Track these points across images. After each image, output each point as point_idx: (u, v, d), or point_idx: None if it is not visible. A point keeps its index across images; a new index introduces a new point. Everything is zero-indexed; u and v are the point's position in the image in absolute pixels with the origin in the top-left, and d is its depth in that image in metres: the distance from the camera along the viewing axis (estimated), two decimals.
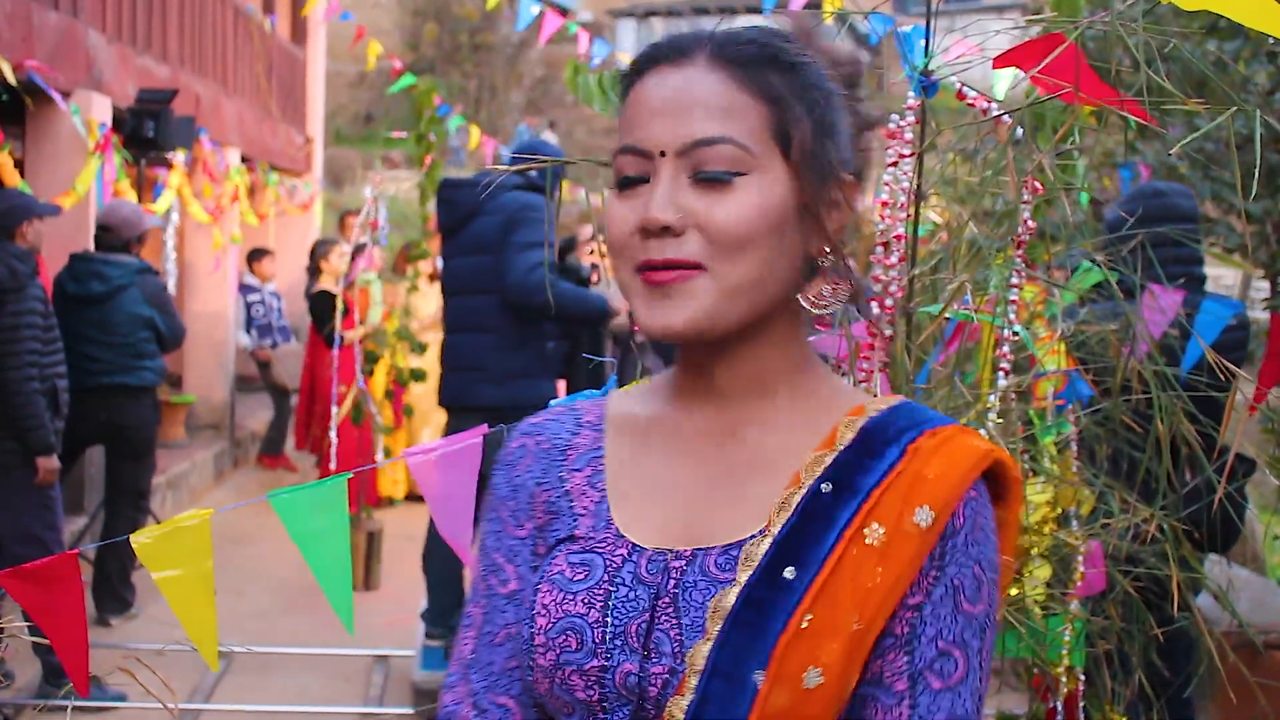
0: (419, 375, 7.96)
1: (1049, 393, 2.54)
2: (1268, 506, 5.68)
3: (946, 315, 2.19)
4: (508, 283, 5.21)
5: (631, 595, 1.19)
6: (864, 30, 2.78)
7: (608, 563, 1.22)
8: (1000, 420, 2.12)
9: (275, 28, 13.45)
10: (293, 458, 10.93)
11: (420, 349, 8.00)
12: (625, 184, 1.20)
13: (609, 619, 1.18)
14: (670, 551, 1.21)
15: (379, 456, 7.65)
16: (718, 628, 1.14)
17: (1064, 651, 2.47)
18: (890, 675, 1.14)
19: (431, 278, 9.51)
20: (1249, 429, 4.07)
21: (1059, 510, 2.52)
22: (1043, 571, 2.48)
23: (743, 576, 1.15)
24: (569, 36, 7.67)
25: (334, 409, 7.12)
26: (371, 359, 7.80)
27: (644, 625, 1.17)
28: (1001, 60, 1.69)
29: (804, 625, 1.12)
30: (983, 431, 2.10)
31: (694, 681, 1.13)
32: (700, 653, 1.14)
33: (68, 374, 5.61)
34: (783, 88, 1.19)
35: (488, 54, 26.13)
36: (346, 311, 7.56)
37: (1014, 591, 2.41)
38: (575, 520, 1.26)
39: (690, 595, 1.17)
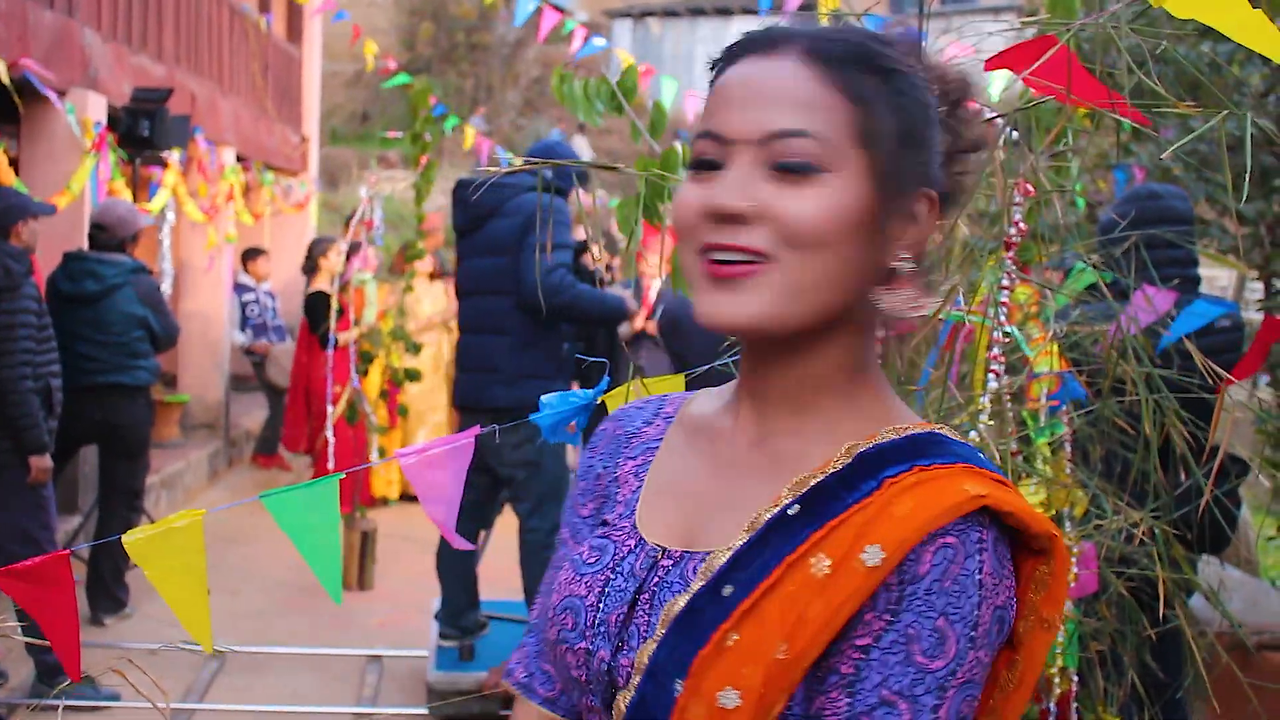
0: (414, 375, 7.96)
1: (1042, 394, 2.54)
2: (1260, 507, 5.69)
3: (939, 317, 2.19)
4: (527, 284, 5.20)
5: (623, 586, 1.22)
6: None
7: (616, 551, 1.25)
8: (993, 422, 2.12)
9: (271, 27, 13.43)
10: (287, 457, 10.93)
11: (415, 349, 7.99)
12: (699, 166, 1.18)
13: (601, 604, 1.21)
14: (661, 549, 1.23)
15: (373, 457, 7.65)
16: (662, 632, 1.16)
17: (1057, 652, 2.48)
18: (830, 715, 1.09)
19: (431, 277, 9.51)
20: (1243, 430, 4.07)
21: (1052, 512, 2.52)
22: None
23: (695, 586, 1.16)
24: (565, 36, 7.67)
25: (329, 409, 7.12)
26: (366, 359, 7.79)
27: (622, 616, 1.20)
28: (993, 62, 1.69)
29: (728, 643, 1.10)
30: (973, 435, 2.10)
31: (635, 679, 1.16)
32: (646, 652, 1.16)
33: (61, 373, 5.60)
34: (872, 91, 1.17)
35: (484, 53, 26.12)
36: (341, 312, 7.56)
37: None
38: (613, 506, 1.32)
39: (664, 595, 1.18)
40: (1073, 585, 2.50)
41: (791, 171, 1.14)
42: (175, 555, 1.89)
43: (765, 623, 1.10)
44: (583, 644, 1.21)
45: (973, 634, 1.09)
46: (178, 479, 9.22)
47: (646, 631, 1.17)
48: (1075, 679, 2.53)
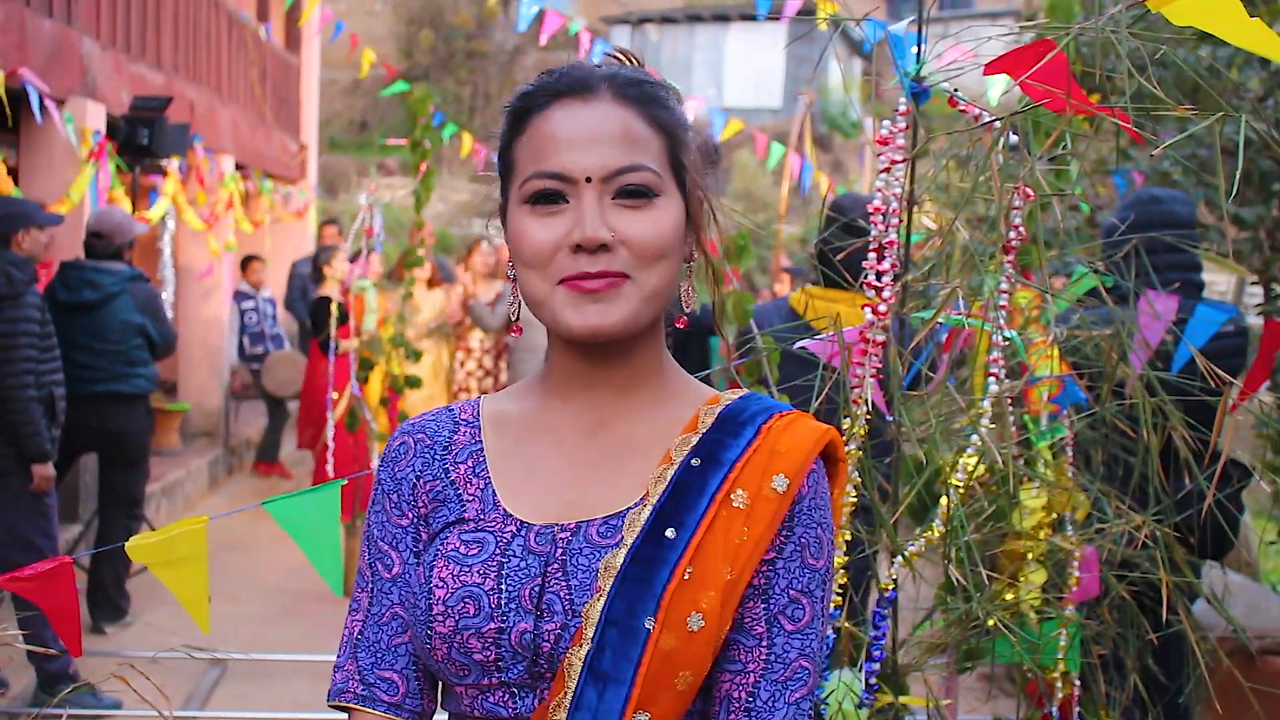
0: (414, 382, 7.95)
1: (1043, 398, 2.55)
2: (1261, 512, 5.69)
3: (939, 321, 2.19)
4: None
5: (522, 564, 1.35)
6: (858, 36, 2.79)
7: (498, 539, 1.37)
8: (994, 426, 2.12)
9: (270, 35, 13.45)
10: (288, 464, 10.93)
11: (416, 356, 7.99)
12: (540, 201, 1.35)
13: (503, 586, 1.34)
14: (556, 525, 1.37)
15: (374, 464, 7.64)
16: (609, 584, 1.31)
17: (1059, 657, 2.48)
18: (750, 620, 1.35)
19: (429, 284, 9.52)
20: (1244, 434, 4.07)
21: (1054, 515, 2.52)
22: (1038, 576, 2.49)
23: (629, 539, 1.34)
24: (565, 43, 7.68)
25: (330, 415, 7.11)
26: (367, 366, 7.79)
27: (536, 589, 1.33)
28: (992, 67, 1.69)
29: (686, 577, 1.31)
30: (975, 437, 2.11)
31: (590, 632, 1.30)
32: (595, 607, 1.31)
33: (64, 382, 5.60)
34: (671, 123, 1.40)
35: (482, 61, 26.14)
36: (345, 318, 7.56)
37: (1009, 597, 2.42)
38: (463, 505, 1.41)
39: (576, 560, 1.34)
40: (1075, 589, 2.50)
41: (633, 198, 1.35)
42: (178, 560, 1.90)
43: (710, 554, 1.32)
44: (492, 625, 1.32)
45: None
46: (178, 487, 9.22)
47: (570, 594, 1.32)
48: (1077, 683, 2.53)
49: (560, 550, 1.35)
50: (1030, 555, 2.46)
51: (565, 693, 1.31)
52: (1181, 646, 2.49)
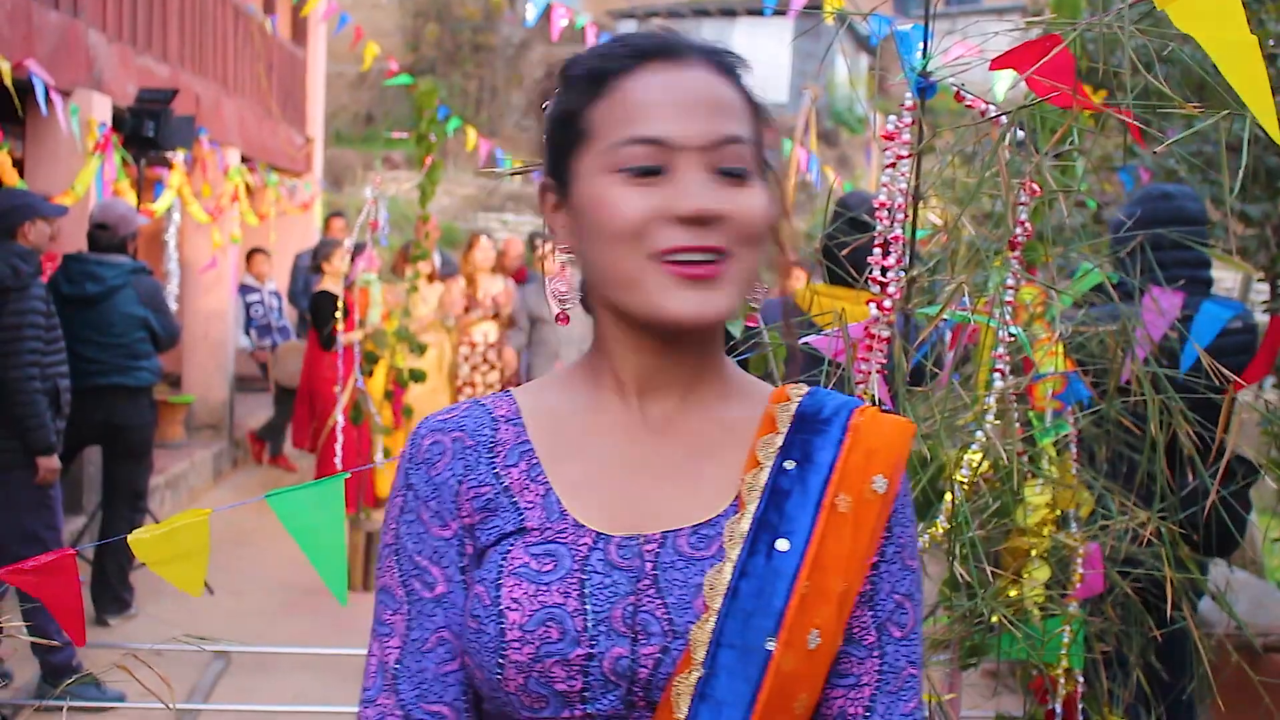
0: (418, 376, 7.96)
1: (1048, 394, 2.54)
2: (1266, 509, 5.68)
3: (944, 317, 2.19)
4: None
5: (607, 581, 1.21)
6: (864, 31, 2.78)
7: (573, 552, 1.23)
8: (998, 422, 2.12)
9: (276, 28, 13.44)
10: (291, 457, 10.94)
11: (420, 350, 7.99)
12: (639, 172, 1.21)
13: (588, 606, 1.20)
14: (640, 536, 1.24)
15: (378, 457, 7.65)
16: (718, 602, 1.19)
17: (1062, 653, 2.47)
18: (859, 630, 1.26)
19: (430, 278, 9.52)
20: (1249, 431, 4.06)
21: (1058, 512, 2.52)
22: (1041, 573, 2.49)
23: (732, 553, 1.22)
24: (572, 37, 7.67)
25: (338, 409, 7.12)
26: (371, 359, 7.80)
27: (629, 609, 1.20)
28: (998, 62, 1.69)
29: (804, 591, 1.20)
30: (979, 434, 2.10)
31: (700, 655, 1.18)
32: (704, 628, 1.19)
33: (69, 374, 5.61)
34: (757, 99, 1.30)
35: (489, 55, 26.12)
36: (347, 312, 7.56)
37: (1013, 593, 2.41)
38: (521, 514, 1.26)
39: (669, 575, 1.22)
40: (1079, 586, 2.49)
41: (733, 175, 1.23)
42: (180, 553, 1.90)
43: (825, 565, 1.22)
44: (579, 650, 1.19)
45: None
46: (182, 480, 9.22)
47: (668, 614, 1.20)
48: (1081, 680, 2.52)
49: (649, 564, 1.22)
50: (1034, 552, 2.46)
51: None
52: (1186, 643, 2.49)
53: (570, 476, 1.28)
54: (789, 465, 1.26)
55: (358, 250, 7.77)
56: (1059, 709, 2.48)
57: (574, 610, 1.20)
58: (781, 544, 1.22)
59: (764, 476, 1.26)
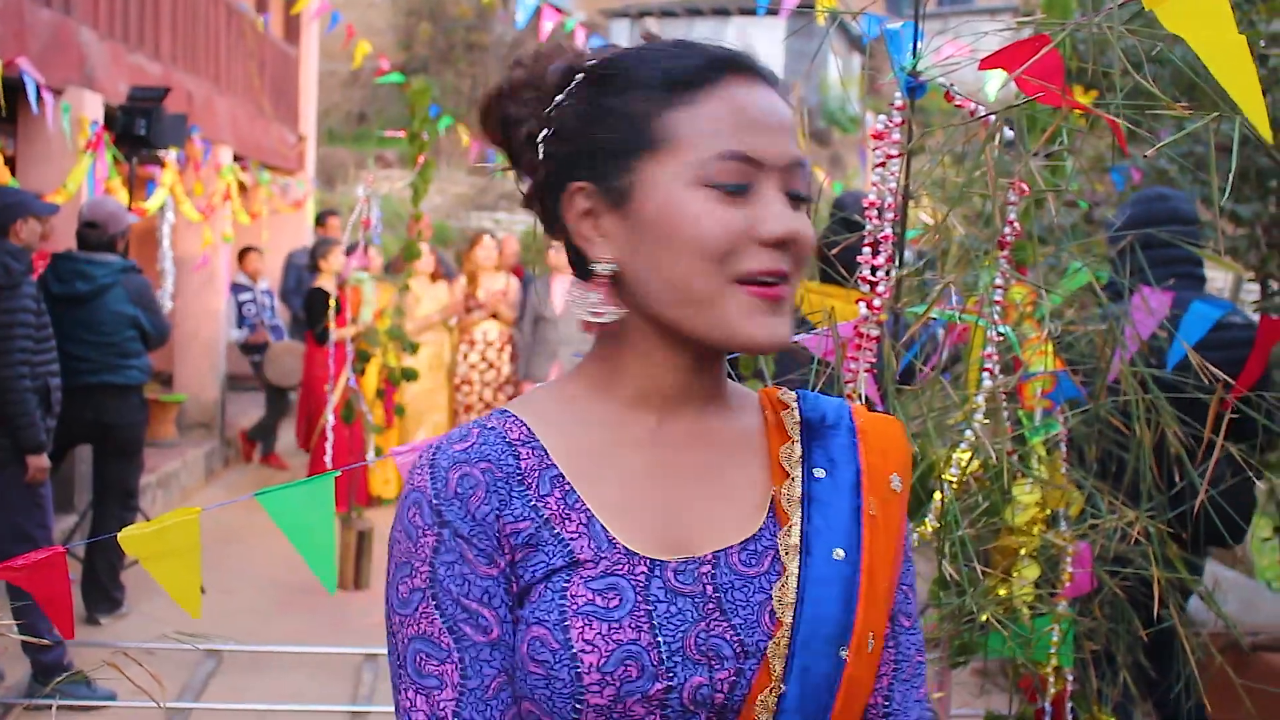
0: (411, 375, 7.95)
1: (1037, 393, 2.55)
2: (1256, 509, 5.69)
3: (933, 316, 2.20)
4: None
5: (674, 610, 1.18)
6: (856, 31, 2.79)
7: (633, 582, 1.19)
8: (988, 421, 2.13)
9: (268, 26, 13.43)
10: (284, 456, 10.93)
11: (412, 348, 7.99)
12: (726, 189, 1.18)
13: (660, 638, 1.16)
14: (695, 559, 1.22)
15: (370, 456, 7.65)
16: (789, 617, 1.20)
17: (1051, 652, 2.48)
18: None
19: (432, 278, 9.52)
20: None
21: (1047, 511, 2.52)
22: (1031, 572, 2.49)
23: (791, 566, 1.22)
24: (563, 39, 7.67)
25: (329, 407, 7.12)
26: (363, 358, 7.80)
27: (701, 635, 1.18)
28: (988, 62, 1.69)
29: (865, 597, 1.23)
30: (969, 433, 2.11)
31: (778, 671, 1.18)
32: (779, 644, 1.19)
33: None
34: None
35: (482, 53, 26.10)
36: (340, 309, 7.56)
37: (1002, 592, 2.42)
38: (568, 546, 1.20)
39: (731, 596, 1.21)
40: (1068, 585, 2.50)
41: (799, 198, 1.21)
42: (171, 551, 1.90)
43: (874, 569, 1.24)
44: (659, 685, 1.15)
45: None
46: (173, 478, 9.21)
47: (737, 635, 1.19)
48: (1071, 678, 2.53)
49: (709, 587, 1.20)
50: (1023, 550, 2.46)
51: None
52: (1175, 642, 2.49)
53: (608, 501, 1.23)
54: (819, 474, 1.27)
55: (350, 249, 7.77)
56: (1048, 707, 2.49)
57: (648, 644, 1.16)
58: (838, 552, 1.23)
59: (798, 488, 1.26)
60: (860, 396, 2.06)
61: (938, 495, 2.13)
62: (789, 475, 1.27)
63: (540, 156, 1.27)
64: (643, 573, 1.19)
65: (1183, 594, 2.98)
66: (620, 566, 1.19)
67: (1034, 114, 2.41)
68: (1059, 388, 2.53)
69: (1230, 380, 2.25)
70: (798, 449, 1.29)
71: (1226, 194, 1.81)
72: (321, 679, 5.91)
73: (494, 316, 9.45)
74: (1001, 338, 2.16)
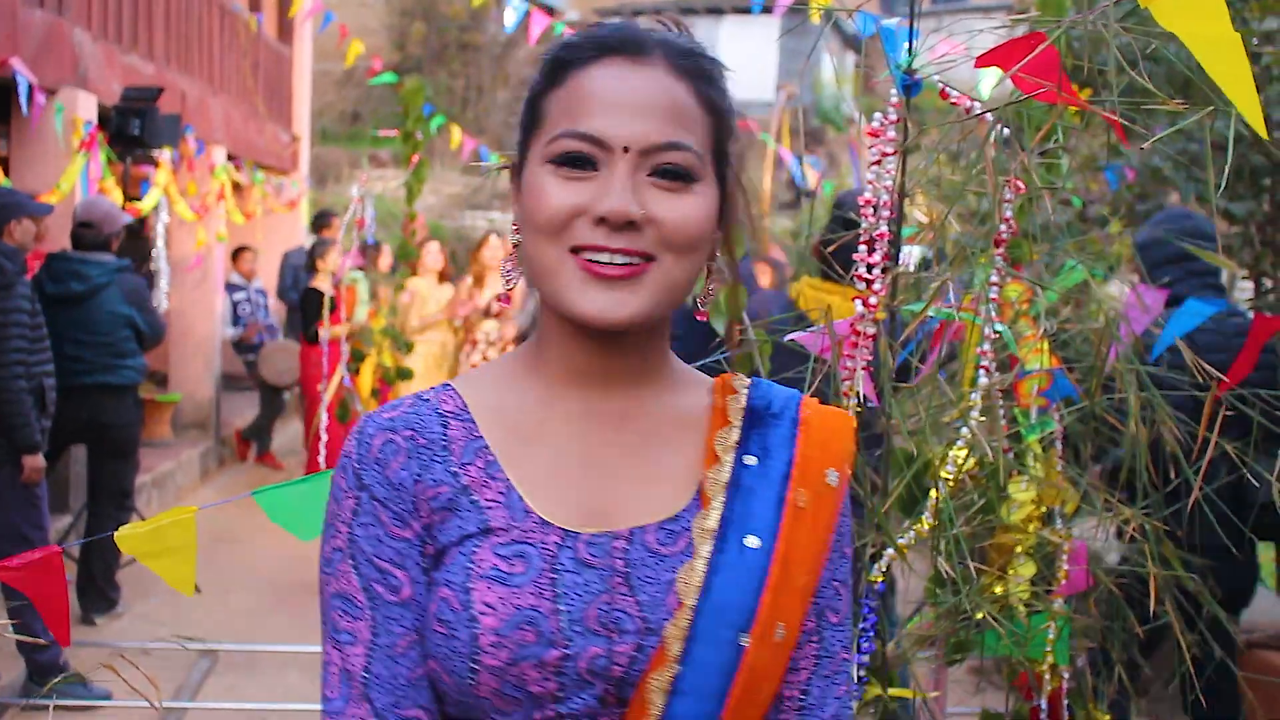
0: (406, 374, 7.95)
1: (1033, 391, 2.55)
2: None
3: (929, 314, 2.20)
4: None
5: (579, 580, 1.21)
6: (850, 30, 2.79)
7: (542, 551, 1.22)
8: (984, 419, 2.13)
9: (262, 26, 13.41)
10: (278, 455, 10.92)
11: (407, 347, 7.99)
12: (569, 164, 1.21)
13: (561, 606, 1.19)
14: (609, 533, 1.24)
15: None
16: (692, 600, 1.21)
17: (1047, 649, 2.48)
18: (803, 617, 1.28)
19: (440, 278, 9.51)
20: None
21: (1043, 509, 2.52)
22: (1027, 569, 2.49)
23: (703, 549, 1.24)
24: (556, 37, 7.66)
25: (322, 406, 7.11)
26: (358, 357, 7.79)
27: (603, 607, 1.21)
28: (984, 59, 1.69)
29: (775, 588, 1.23)
30: (965, 430, 2.11)
31: (675, 651, 1.20)
32: (679, 624, 1.20)
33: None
34: (723, 106, 1.28)
35: (475, 54, 26.09)
36: (334, 308, 7.56)
37: (998, 590, 2.42)
38: (484, 513, 1.24)
39: (641, 573, 1.23)
40: (1063, 583, 2.50)
41: (671, 179, 1.22)
42: (167, 550, 1.90)
43: (790, 560, 1.25)
44: (554, 652, 1.18)
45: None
46: (169, 478, 9.21)
47: (641, 612, 1.21)
48: (1067, 675, 2.53)
49: (620, 562, 1.23)
50: (1019, 548, 2.47)
51: (648, 718, 1.20)
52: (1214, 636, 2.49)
53: (529, 473, 1.26)
54: (750, 461, 1.28)
55: (345, 248, 7.76)
56: (1044, 705, 2.49)
57: (548, 611, 1.19)
58: (751, 540, 1.24)
59: (726, 473, 1.27)
60: (857, 394, 2.06)
61: (933, 493, 2.13)
62: (720, 460, 1.28)
63: None
64: (554, 543, 1.23)
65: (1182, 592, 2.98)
66: (532, 535, 1.23)
67: (1029, 112, 2.42)
68: (1054, 385, 2.53)
69: (1221, 376, 2.26)
70: (734, 435, 1.30)
71: (1220, 191, 1.82)
72: (316, 678, 5.89)
73: (497, 315, 9.45)
74: (997, 335, 2.16)
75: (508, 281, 1.30)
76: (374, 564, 1.23)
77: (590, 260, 1.20)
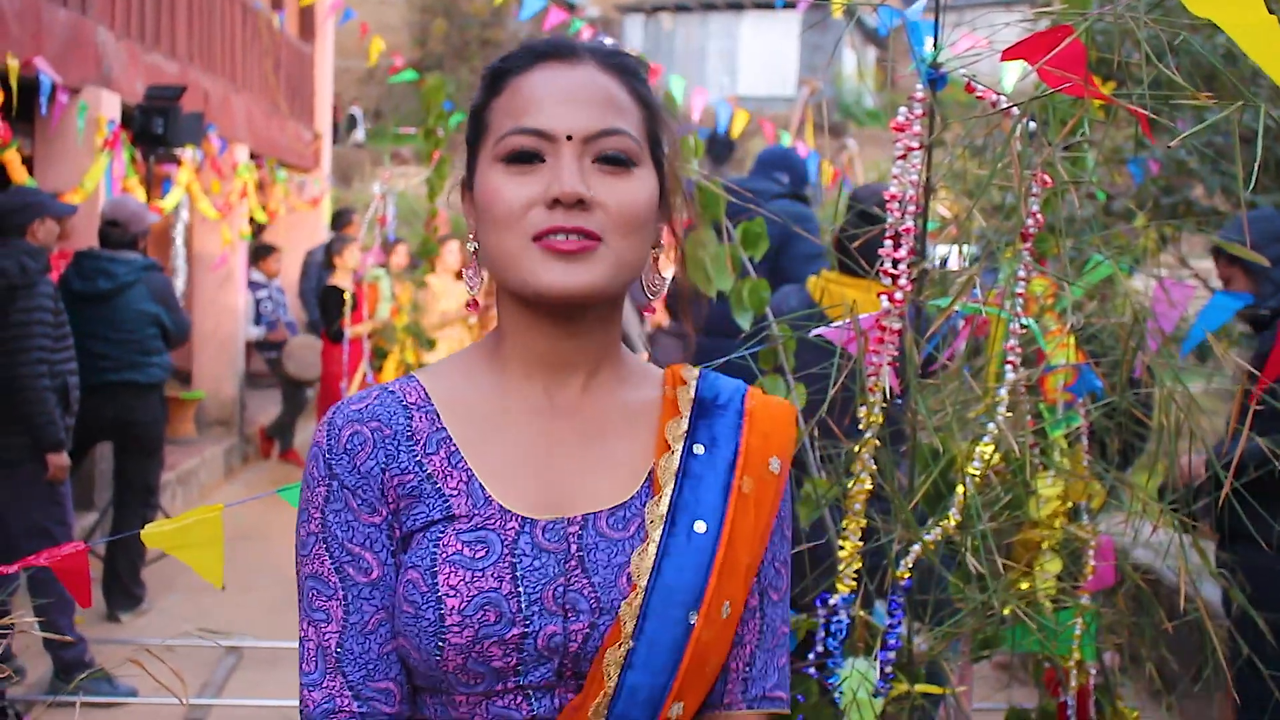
0: None
1: (1059, 386, 2.54)
2: None
3: (955, 309, 2.19)
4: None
5: (537, 564, 1.31)
6: (872, 24, 2.78)
7: (502, 537, 1.31)
8: (1010, 414, 2.12)
9: (284, 24, 13.45)
10: (301, 451, 10.95)
11: (429, 344, 8.00)
12: (516, 160, 1.31)
13: (521, 589, 1.29)
14: (563, 519, 1.34)
15: None
16: (644, 581, 1.31)
17: (1074, 645, 2.47)
18: (747, 596, 1.38)
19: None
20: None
21: (1069, 504, 2.51)
22: (1053, 565, 2.48)
23: (654, 534, 1.33)
24: (575, 33, 7.67)
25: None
26: (381, 355, 7.81)
27: (559, 589, 1.30)
28: (1008, 53, 1.68)
29: (721, 569, 1.33)
30: (991, 426, 2.10)
31: (629, 629, 1.30)
32: (632, 604, 1.30)
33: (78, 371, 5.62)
34: (651, 99, 1.39)
35: (496, 50, 26.11)
36: (355, 306, 7.57)
37: (1025, 585, 2.41)
38: (447, 501, 1.33)
39: (594, 556, 1.33)
40: (1090, 578, 2.49)
41: (613, 164, 1.32)
42: (194, 545, 1.91)
43: (736, 543, 1.35)
44: (515, 630, 1.28)
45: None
46: (193, 476, 9.25)
47: (595, 592, 1.31)
48: (1094, 672, 2.52)
49: (574, 546, 1.32)
50: (1046, 544, 2.46)
51: (604, 692, 1.30)
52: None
53: (490, 462, 1.35)
54: (698, 450, 1.38)
55: (367, 245, 7.78)
56: (1071, 701, 2.48)
57: (509, 593, 1.29)
58: (699, 525, 1.34)
59: (676, 461, 1.37)
60: (883, 390, 2.06)
61: (960, 489, 2.12)
62: (671, 449, 1.37)
63: None
64: (513, 529, 1.32)
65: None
66: (492, 522, 1.32)
67: (1053, 105, 2.40)
68: (1081, 380, 2.52)
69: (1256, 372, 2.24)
70: (683, 425, 1.39)
71: (1250, 185, 1.81)
72: None
73: None
74: (1024, 331, 2.15)
75: (471, 287, 1.40)
76: (345, 548, 1.34)
77: (549, 241, 1.29)
